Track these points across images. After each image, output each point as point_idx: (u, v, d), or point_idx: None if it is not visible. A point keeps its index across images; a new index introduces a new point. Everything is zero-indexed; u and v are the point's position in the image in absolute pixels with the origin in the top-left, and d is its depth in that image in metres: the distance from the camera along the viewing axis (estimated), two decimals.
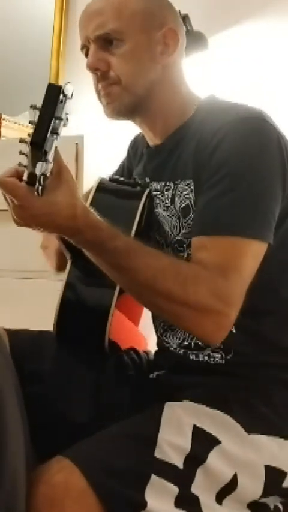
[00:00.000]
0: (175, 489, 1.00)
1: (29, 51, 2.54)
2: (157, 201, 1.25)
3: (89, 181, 0.99)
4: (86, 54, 1.22)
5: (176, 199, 1.20)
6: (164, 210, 1.23)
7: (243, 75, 2.10)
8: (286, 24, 2.10)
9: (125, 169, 1.44)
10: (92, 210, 1.02)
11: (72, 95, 0.91)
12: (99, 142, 2.12)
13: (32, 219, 0.97)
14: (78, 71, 2.38)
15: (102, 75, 1.19)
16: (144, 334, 1.45)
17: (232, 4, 2.16)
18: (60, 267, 1.32)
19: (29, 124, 0.91)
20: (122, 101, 1.19)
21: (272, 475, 1.08)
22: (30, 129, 0.91)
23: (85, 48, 1.22)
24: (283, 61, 2.10)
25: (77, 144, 1.97)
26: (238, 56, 2.14)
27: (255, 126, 1.12)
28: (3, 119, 2.17)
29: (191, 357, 1.21)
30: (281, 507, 1.12)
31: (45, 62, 2.48)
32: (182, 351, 1.23)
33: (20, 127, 2.24)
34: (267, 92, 2.02)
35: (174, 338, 1.25)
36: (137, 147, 1.41)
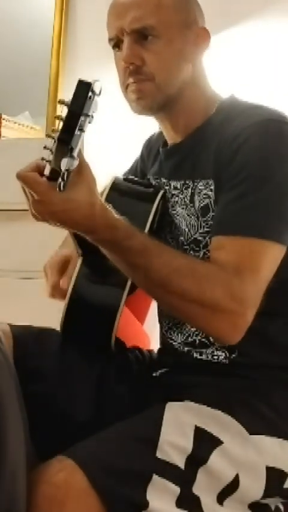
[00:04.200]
0: (176, 489, 1.00)
1: (29, 51, 2.54)
2: (176, 199, 1.25)
3: None
4: (114, 46, 1.21)
5: (196, 197, 1.20)
6: (183, 209, 1.23)
7: (243, 75, 2.11)
8: (286, 24, 2.10)
9: (138, 170, 1.44)
10: (109, 209, 1.01)
11: (100, 92, 0.90)
12: (99, 142, 2.11)
13: (50, 215, 0.96)
14: (78, 71, 2.40)
15: (135, 70, 1.18)
16: (148, 333, 1.45)
17: (232, 4, 2.16)
18: (52, 296, 1.31)
19: (55, 119, 0.91)
20: (154, 98, 1.19)
21: (274, 475, 1.08)
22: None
23: (114, 40, 1.20)
24: (283, 61, 2.10)
25: None
26: (238, 56, 2.14)
27: (278, 129, 1.12)
28: (3, 119, 2.17)
29: (195, 356, 1.21)
30: (282, 508, 1.12)
31: (45, 62, 2.48)
32: (186, 348, 1.23)
33: (20, 127, 2.24)
34: (267, 91, 2.02)
35: (179, 335, 1.24)
36: (151, 147, 1.41)
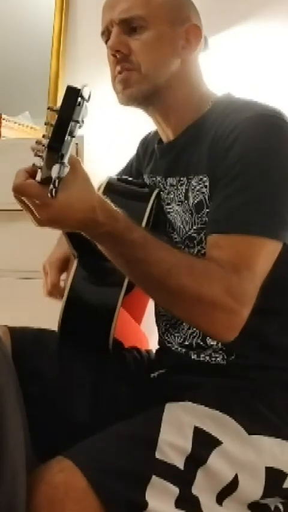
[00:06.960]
0: (176, 490, 1.00)
1: (29, 51, 2.54)
2: (172, 196, 1.25)
3: None
4: (106, 40, 1.22)
5: (190, 194, 1.20)
6: (178, 205, 1.23)
7: (243, 75, 2.11)
8: (286, 24, 2.10)
9: (133, 169, 1.44)
10: (107, 200, 1.01)
11: (89, 97, 0.90)
12: (99, 143, 2.11)
13: (55, 214, 0.94)
14: (78, 71, 2.40)
15: (122, 58, 1.19)
16: (146, 333, 1.45)
17: (232, 4, 2.16)
18: (50, 294, 1.32)
19: (45, 125, 0.91)
20: (139, 87, 1.19)
21: (273, 476, 1.08)
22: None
23: (105, 33, 1.22)
24: (283, 61, 2.10)
25: (77, 144, 1.97)
26: (238, 56, 2.14)
27: (273, 124, 1.12)
28: (3, 119, 2.16)
29: (193, 357, 1.21)
30: (281, 508, 1.12)
31: (45, 62, 2.48)
32: (183, 350, 1.23)
33: (20, 127, 2.23)
34: (267, 92, 2.02)
35: (176, 337, 1.24)
36: (147, 145, 1.42)
